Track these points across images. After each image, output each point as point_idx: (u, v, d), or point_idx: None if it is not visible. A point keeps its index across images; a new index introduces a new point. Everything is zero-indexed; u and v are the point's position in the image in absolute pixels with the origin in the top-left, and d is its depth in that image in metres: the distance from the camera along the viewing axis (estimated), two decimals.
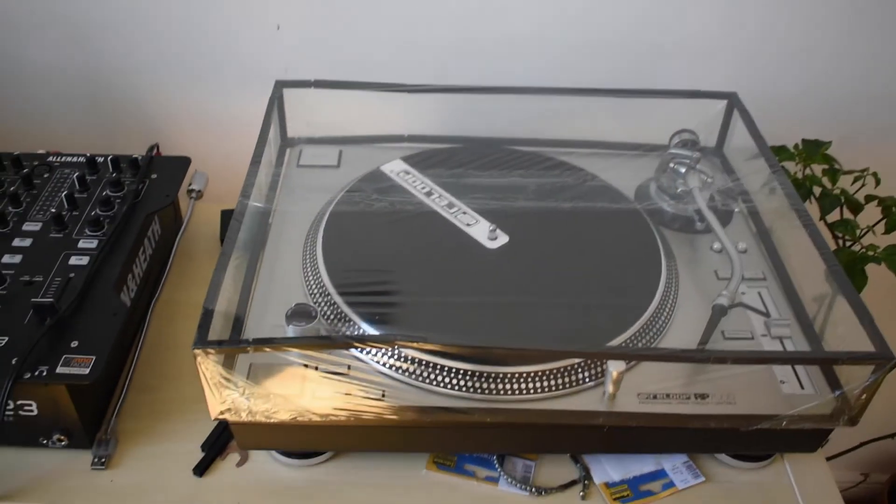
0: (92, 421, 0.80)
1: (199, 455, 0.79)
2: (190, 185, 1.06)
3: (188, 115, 1.20)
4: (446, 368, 0.71)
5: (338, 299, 0.76)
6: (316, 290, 0.79)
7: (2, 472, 0.77)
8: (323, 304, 0.77)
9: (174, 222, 1.04)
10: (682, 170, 0.91)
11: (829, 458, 1.48)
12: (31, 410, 0.75)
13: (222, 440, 0.80)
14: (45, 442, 0.78)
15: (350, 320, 0.75)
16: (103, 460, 0.78)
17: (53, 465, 0.78)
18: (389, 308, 0.76)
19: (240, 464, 0.79)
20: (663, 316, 0.79)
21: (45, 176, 0.97)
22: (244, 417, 0.70)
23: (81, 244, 0.87)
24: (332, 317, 0.76)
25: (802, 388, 0.75)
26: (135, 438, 0.81)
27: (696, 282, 0.85)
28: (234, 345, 0.65)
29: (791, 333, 0.79)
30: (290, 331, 0.74)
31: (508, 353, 0.70)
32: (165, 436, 0.81)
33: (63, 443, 0.78)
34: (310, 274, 0.81)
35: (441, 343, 0.65)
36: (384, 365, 0.72)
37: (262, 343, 0.65)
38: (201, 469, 0.78)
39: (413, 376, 0.71)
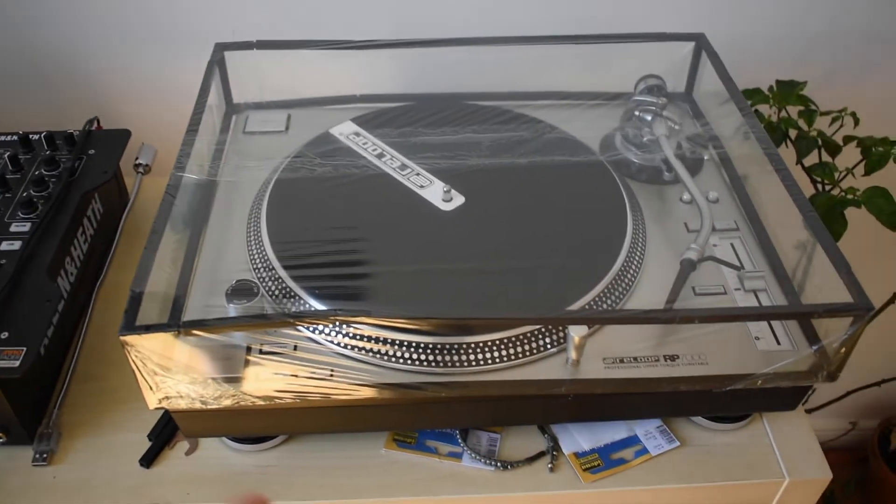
0: (31, 415, 0.75)
1: (147, 445, 0.75)
2: (136, 159, 1.01)
3: (134, 88, 1.14)
4: (397, 342, 0.66)
5: (282, 273, 0.71)
6: (260, 265, 0.74)
7: None
8: (267, 279, 0.72)
9: (119, 199, 0.99)
10: (648, 117, 0.86)
11: (815, 409, 1.46)
12: None
13: (170, 429, 0.75)
14: None
15: (296, 296, 0.70)
16: (45, 456, 0.74)
17: None
18: (338, 281, 0.71)
19: (189, 452, 0.75)
20: (629, 274, 0.74)
21: None
22: (184, 405, 0.65)
23: (13, 228, 0.82)
24: (276, 293, 0.71)
25: (779, 343, 0.71)
26: (79, 431, 0.76)
27: (666, 236, 0.80)
28: (163, 329, 0.60)
29: (766, 286, 0.75)
30: (231, 310, 0.69)
31: (458, 322, 0.66)
32: (111, 427, 0.77)
33: (2, 440, 0.74)
34: (254, 247, 0.76)
35: (385, 316, 0.61)
36: (333, 342, 0.68)
37: (191, 326, 0.60)
38: (149, 460, 0.73)
39: (363, 352, 0.67)
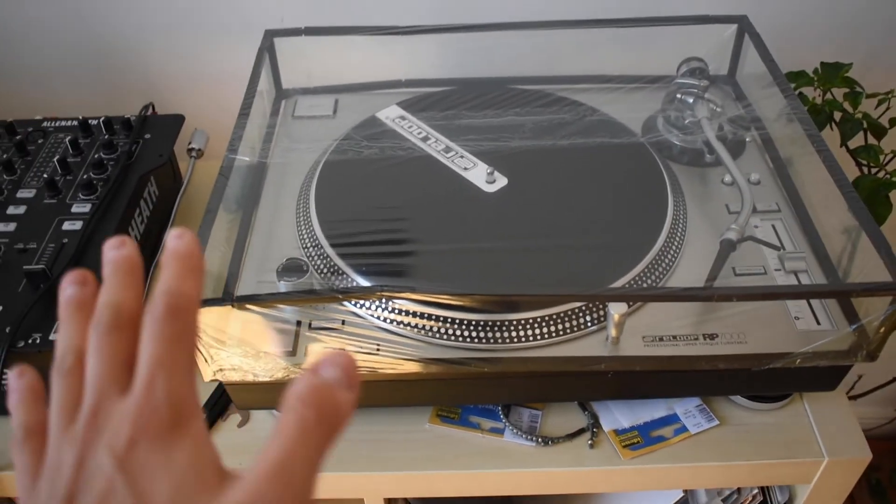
0: None
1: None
2: (189, 143, 1.04)
3: (188, 75, 1.17)
4: (441, 318, 0.69)
5: (330, 251, 0.74)
6: (309, 244, 0.76)
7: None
8: (316, 257, 0.75)
9: (174, 182, 1.03)
10: (690, 100, 0.87)
11: (861, 395, 1.45)
12: None
13: (223, 401, 0.79)
14: None
15: (343, 273, 0.72)
16: None
17: None
18: (384, 258, 0.74)
19: (241, 424, 0.78)
20: (670, 254, 0.75)
21: (40, 142, 0.96)
22: (237, 378, 0.68)
23: (75, 209, 0.86)
24: (325, 270, 0.73)
25: (819, 324, 0.71)
26: None
27: (707, 217, 0.81)
28: (217, 303, 0.63)
29: (806, 267, 0.75)
30: (282, 286, 0.72)
31: (500, 299, 0.68)
32: None
33: None
34: (303, 227, 0.78)
35: (428, 292, 0.63)
36: (379, 318, 0.70)
37: (244, 300, 0.63)
38: None
39: (408, 328, 0.69)
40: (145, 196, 0.93)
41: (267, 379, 0.68)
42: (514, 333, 0.69)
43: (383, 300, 0.69)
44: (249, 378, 0.68)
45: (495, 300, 0.68)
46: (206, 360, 0.67)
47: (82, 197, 0.87)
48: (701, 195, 0.83)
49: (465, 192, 0.81)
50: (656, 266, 0.74)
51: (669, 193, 0.80)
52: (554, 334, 0.69)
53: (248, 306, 0.63)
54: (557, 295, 0.68)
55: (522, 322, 0.69)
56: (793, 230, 0.79)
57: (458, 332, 0.69)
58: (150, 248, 0.94)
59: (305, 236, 0.77)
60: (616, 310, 0.66)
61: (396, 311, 0.69)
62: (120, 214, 0.85)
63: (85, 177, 0.89)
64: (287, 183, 0.85)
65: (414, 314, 0.69)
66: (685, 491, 0.83)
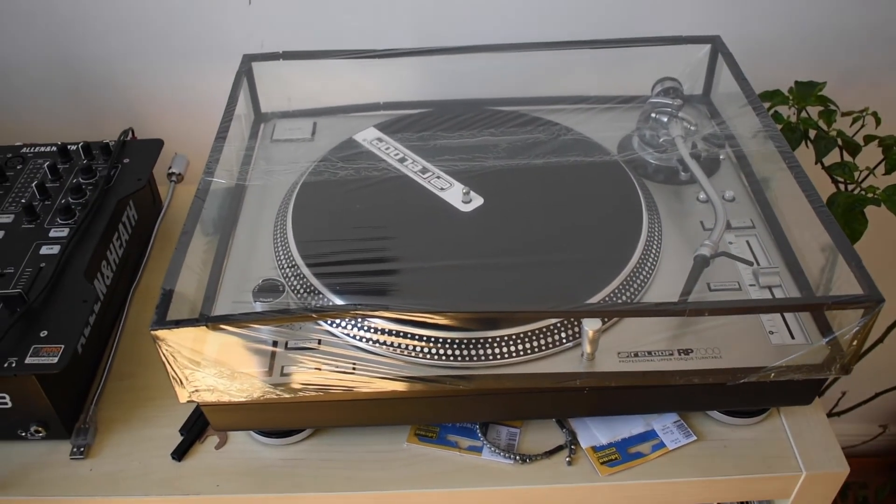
0: (69, 411, 0.79)
1: (179, 439, 0.78)
2: (169, 168, 1.04)
3: (167, 99, 1.18)
4: (416, 337, 0.69)
5: (306, 271, 0.74)
6: (286, 264, 0.77)
7: None
8: (292, 277, 0.75)
9: (153, 206, 1.03)
10: (664, 119, 0.88)
11: (844, 412, 1.46)
12: (6, 403, 0.74)
13: (200, 423, 0.78)
14: (23, 434, 0.77)
15: (319, 293, 0.73)
16: (82, 449, 0.77)
17: (32, 458, 0.77)
18: (360, 278, 0.74)
19: (219, 446, 0.77)
20: (645, 271, 0.76)
21: (19, 167, 0.96)
22: (213, 399, 0.68)
23: (53, 233, 0.86)
24: (301, 290, 0.74)
25: (793, 338, 0.72)
26: (114, 426, 0.80)
27: (683, 234, 0.81)
28: (192, 324, 0.63)
29: (780, 282, 0.76)
30: (258, 307, 0.72)
31: (476, 316, 0.68)
32: (145, 422, 0.80)
33: (41, 434, 0.77)
34: (280, 248, 0.79)
35: (402, 310, 0.63)
36: (354, 337, 0.70)
37: (219, 320, 0.63)
38: (180, 453, 0.76)
39: (384, 347, 0.69)
40: (124, 220, 0.93)
41: (243, 399, 0.68)
42: (490, 351, 0.69)
43: (358, 319, 0.69)
44: (226, 399, 0.68)
45: (470, 317, 0.68)
46: (181, 382, 0.67)
47: (60, 221, 0.87)
48: (676, 212, 0.84)
49: (441, 212, 0.81)
50: (631, 282, 0.74)
51: (644, 211, 0.81)
52: (530, 351, 0.70)
53: (223, 326, 0.63)
54: (532, 311, 0.68)
55: (498, 339, 0.69)
56: (767, 246, 0.80)
57: (435, 351, 0.69)
58: (129, 271, 0.94)
59: (282, 257, 0.78)
60: (590, 326, 0.66)
61: (372, 330, 0.70)
62: (97, 238, 0.85)
63: (63, 201, 0.89)
64: (265, 205, 0.86)
65: (389, 333, 0.69)
66: None
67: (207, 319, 0.63)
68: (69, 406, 0.79)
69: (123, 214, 0.93)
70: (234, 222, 0.83)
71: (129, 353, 0.87)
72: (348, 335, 0.70)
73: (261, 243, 0.81)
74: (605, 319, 0.70)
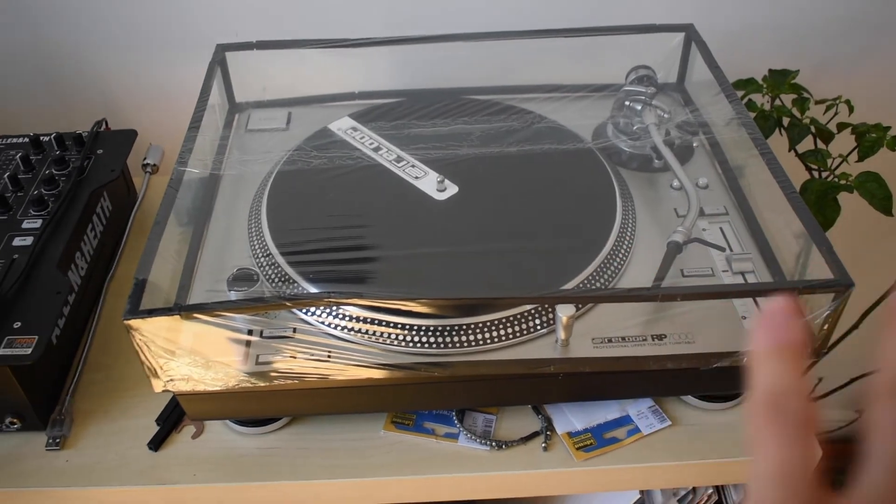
0: (44, 402, 0.78)
1: (155, 429, 0.77)
2: (144, 159, 1.04)
3: (141, 90, 1.17)
4: (391, 324, 0.69)
5: (280, 260, 0.74)
6: (260, 253, 0.76)
7: None
8: (267, 266, 0.75)
9: (128, 197, 1.02)
10: (638, 107, 0.88)
11: (820, 397, 1.47)
12: None
13: (176, 413, 0.78)
14: None
15: (293, 281, 0.73)
16: (58, 440, 0.77)
17: (7, 449, 0.76)
18: (334, 266, 0.74)
19: (195, 436, 0.77)
20: (619, 257, 0.76)
21: None
22: (188, 388, 0.68)
23: (25, 225, 0.85)
24: (275, 279, 0.74)
25: None
26: (90, 417, 0.79)
27: (657, 221, 0.82)
28: (165, 313, 0.62)
29: (753, 268, 0.76)
30: (232, 296, 0.72)
31: (450, 303, 0.68)
32: (121, 412, 0.80)
33: (16, 426, 0.76)
34: (255, 237, 0.78)
35: (376, 297, 0.63)
36: (329, 325, 0.70)
37: (191, 309, 0.63)
38: (156, 443, 0.76)
39: (358, 335, 0.69)
40: (98, 211, 0.92)
41: (219, 389, 0.68)
42: (465, 338, 0.69)
43: (332, 307, 0.70)
44: (201, 388, 0.68)
45: (444, 304, 0.68)
46: (155, 372, 0.67)
47: (33, 213, 0.86)
48: (650, 200, 0.85)
49: (415, 201, 0.81)
50: (605, 269, 0.74)
51: (618, 198, 0.81)
52: (504, 338, 0.70)
53: (196, 316, 0.63)
54: (507, 298, 0.68)
55: (473, 326, 0.69)
56: (740, 232, 0.81)
57: (409, 338, 0.69)
58: (103, 262, 0.94)
59: (257, 246, 0.77)
60: (564, 312, 0.67)
61: (346, 318, 0.70)
62: (71, 229, 0.84)
63: (36, 193, 0.88)
64: (239, 194, 0.85)
65: (364, 321, 0.69)
66: (641, 492, 0.84)
67: (181, 308, 0.63)
68: (44, 397, 0.79)
69: (97, 205, 0.92)
70: (209, 212, 0.83)
71: (104, 344, 0.86)
72: (323, 323, 0.70)
73: (235, 233, 0.81)
74: (579, 306, 0.70)
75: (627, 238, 0.78)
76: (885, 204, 0.96)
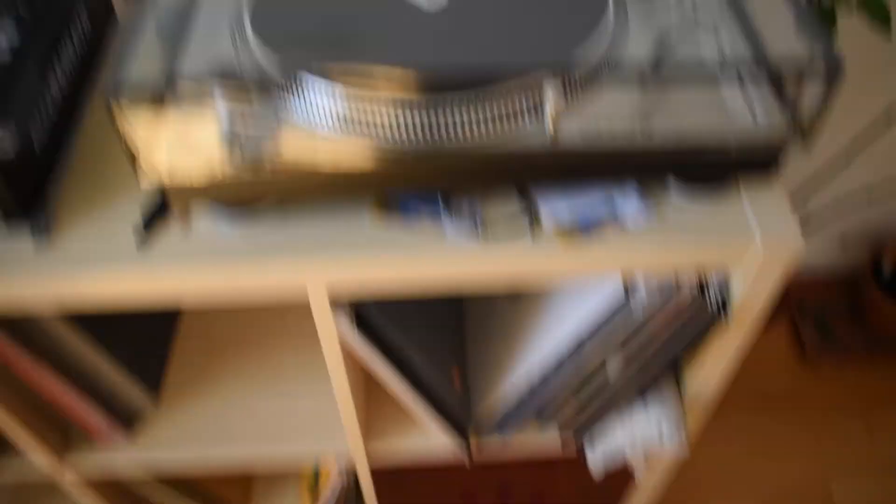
0: (28, 201, 0.78)
1: (142, 226, 0.78)
2: None
3: None
4: (377, 100, 0.68)
5: (263, 57, 0.72)
6: (244, 58, 0.74)
7: None
8: (250, 67, 0.73)
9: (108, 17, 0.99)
10: None
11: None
12: None
13: (163, 208, 0.78)
14: None
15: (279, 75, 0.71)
16: (42, 238, 0.77)
17: None
18: (317, 54, 0.72)
19: (182, 229, 0.77)
20: (611, 49, 0.74)
21: None
22: (174, 180, 0.68)
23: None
24: (259, 72, 0.72)
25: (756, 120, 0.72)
26: (76, 213, 0.80)
27: (651, 18, 0.80)
28: (149, 98, 0.61)
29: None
30: (217, 84, 0.71)
31: (437, 75, 0.67)
32: (108, 210, 0.80)
33: None
34: (237, 34, 0.76)
35: (361, 75, 0.62)
36: (313, 108, 0.69)
37: (176, 92, 0.62)
38: (144, 238, 0.77)
39: (343, 121, 0.69)
40: (76, 21, 0.90)
41: (205, 180, 0.68)
42: (453, 119, 0.68)
43: (319, 93, 0.68)
44: (187, 181, 0.68)
45: (433, 77, 0.67)
46: (140, 166, 0.66)
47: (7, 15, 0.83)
48: None
49: (403, 12, 0.78)
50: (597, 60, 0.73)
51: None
52: (493, 119, 0.69)
53: (181, 101, 0.62)
54: (495, 70, 0.67)
55: (459, 100, 0.68)
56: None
57: (396, 121, 0.68)
58: (87, 68, 0.92)
59: (241, 47, 0.75)
60: (552, 98, 0.66)
61: (330, 97, 0.68)
62: (50, 34, 0.82)
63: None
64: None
65: (348, 99, 0.68)
66: (626, 289, 0.85)
67: (164, 89, 0.61)
68: (28, 193, 0.78)
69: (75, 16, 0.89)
70: (194, 5, 0.80)
71: (91, 149, 0.86)
72: (305, 107, 0.69)
73: (221, 29, 0.78)
74: (568, 98, 0.69)
75: (620, 30, 0.76)
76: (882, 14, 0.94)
